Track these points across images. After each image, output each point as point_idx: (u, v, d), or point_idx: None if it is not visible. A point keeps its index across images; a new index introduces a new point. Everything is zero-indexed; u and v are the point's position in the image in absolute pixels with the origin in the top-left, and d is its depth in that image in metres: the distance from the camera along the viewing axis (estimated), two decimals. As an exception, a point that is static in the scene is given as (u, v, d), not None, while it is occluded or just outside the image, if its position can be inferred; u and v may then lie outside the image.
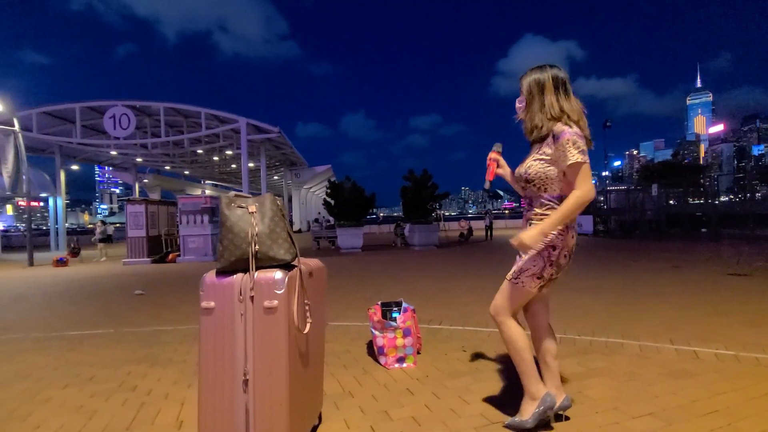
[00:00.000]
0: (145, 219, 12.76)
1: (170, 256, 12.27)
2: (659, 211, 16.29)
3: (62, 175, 21.11)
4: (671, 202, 18.04)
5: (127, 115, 17.80)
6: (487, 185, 2.02)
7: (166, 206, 14.29)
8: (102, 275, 9.41)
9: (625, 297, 4.65)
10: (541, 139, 1.79)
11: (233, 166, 29.93)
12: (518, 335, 1.80)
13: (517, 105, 1.90)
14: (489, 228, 17.76)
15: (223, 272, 1.58)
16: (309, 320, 1.63)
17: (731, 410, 1.96)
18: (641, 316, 3.80)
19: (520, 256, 1.82)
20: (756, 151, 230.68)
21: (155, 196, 27.82)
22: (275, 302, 1.50)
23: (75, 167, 26.52)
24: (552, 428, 1.83)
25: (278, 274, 1.54)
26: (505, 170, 2.06)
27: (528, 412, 1.80)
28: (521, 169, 1.84)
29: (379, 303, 2.92)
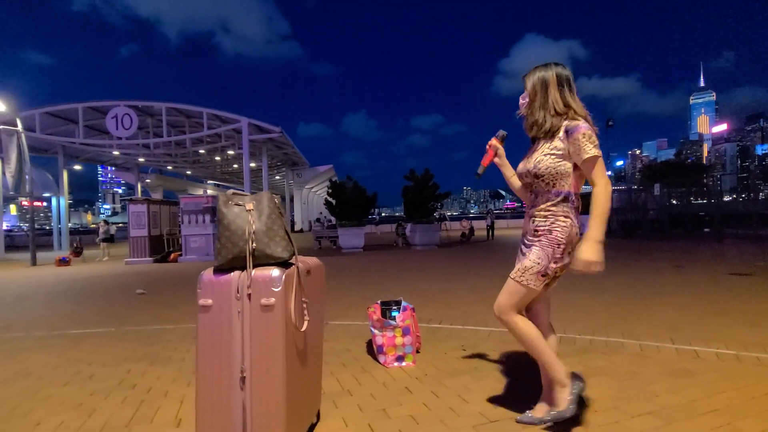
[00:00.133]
0: (147, 219, 12.80)
1: (172, 256, 12.30)
2: (661, 211, 16.23)
3: (65, 175, 21.23)
4: (674, 201, 17.98)
5: (130, 115, 17.86)
6: (480, 170, 1.97)
7: (168, 206, 14.33)
8: (104, 275, 9.44)
9: (626, 296, 4.63)
10: (546, 135, 1.77)
11: (235, 166, 30.00)
12: (529, 329, 1.77)
13: (521, 101, 1.89)
14: (491, 228, 17.75)
15: (220, 270, 1.58)
16: (306, 318, 1.63)
17: (731, 409, 1.95)
18: (642, 315, 3.79)
19: (523, 254, 1.80)
20: (759, 150, 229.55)
21: (157, 195, 27.92)
22: (272, 300, 1.50)
23: (78, 167, 26.63)
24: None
25: (275, 271, 1.54)
26: (503, 161, 2.00)
27: (563, 400, 1.76)
28: (529, 165, 1.79)
29: (379, 302, 2.92)
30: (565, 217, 1.73)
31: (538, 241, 1.75)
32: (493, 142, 1.97)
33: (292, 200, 36.12)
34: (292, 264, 1.64)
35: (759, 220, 12.68)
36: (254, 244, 1.55)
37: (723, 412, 1.92)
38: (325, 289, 2.10)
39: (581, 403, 1.86)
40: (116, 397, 2.37)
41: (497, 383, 2.36)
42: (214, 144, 23.32)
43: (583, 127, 1.68)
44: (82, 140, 18.81)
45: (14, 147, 13.32)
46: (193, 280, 1.67)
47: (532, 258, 1.74)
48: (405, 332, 2.72)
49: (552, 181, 1.74)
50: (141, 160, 26.33)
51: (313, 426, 1.90)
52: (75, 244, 15.24)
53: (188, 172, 34.34)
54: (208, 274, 1.58)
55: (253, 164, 25.12)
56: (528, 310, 1.93)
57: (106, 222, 15.65)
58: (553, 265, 1.72)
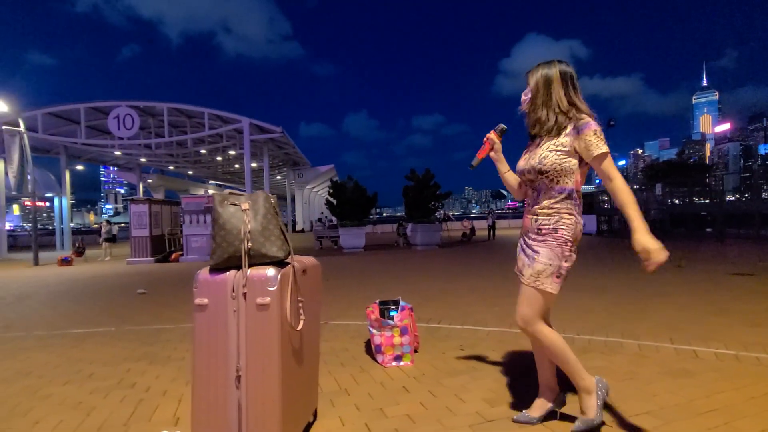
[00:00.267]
0: (149, 219, 12.83)
1: (173, 256, 12.34)
2: (663, 211, 16.18)
3: (67, 175, 21.30)
4: (675, 201, 17.91)
5: (131, 115, 17.92)
6: (474, 162, 1.95)
7: (169, 206, 14.37)
8: (106, 274, 9.48)
9: (626, 296, 4.62)
10: (549, 133, 1.76)
11: (236, 166, 30.06)
12: (556, 338, 1.74)
13: (523, 98, 1.87)
14: (492, 228, 17.73)
15: (216, 269, 1.58)
16: (302, 317, 1.63)
17: (730, 409, 1.94)
18: (642, 315, 3.78)
19: (525, 253, 1.78)
20: (763, 150, 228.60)
21: (159, 196, 28.01)
22: (268, 299, 1.51)
23: (80, 167, 26.76)
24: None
25: (271, 271, 1.54)
26: (498, 156, 1.97)
27: (591, 407, 1.73)
28: (533, 161, 1.76)
29: (377, 301, 2.92)
30: (570, 214, 1.71)
31: (544, 241, 1.71)
32: (491, 135, 1.94)
33: (293, 200, 36.17)
34: (287, 263, 1.64)
35: (762, 220, 12.61)
36: (250, 244, 1.56)
37: (722, 412, 1.91)
38: (321, 288, 2.10)
39: (552, 416, 1.86)
40: (115, 396, 2.38)
41: (495, 383, 2.35)
42: (215, 144, 23.39)
43: (593, 124, 1.69)
44: (84, 140, 18.90)
45: (17, 147, 13.39)
46: (193, 280, 1.67)
47: (543, 260, 1.70)
48: (403, 332, 2.72)
49: (556, 177, 1.72)
50: (143, 160, 26.42)
51: (309, 425, 1.91)
52: (77, 244, 15.30)
53: (190, 172, 34.44)
54: (203, 273, 1.58)
55: (254, 164, 25.17)
56: None
57: (108, 222, 15.71)
58: (565, 264, 1.70)
